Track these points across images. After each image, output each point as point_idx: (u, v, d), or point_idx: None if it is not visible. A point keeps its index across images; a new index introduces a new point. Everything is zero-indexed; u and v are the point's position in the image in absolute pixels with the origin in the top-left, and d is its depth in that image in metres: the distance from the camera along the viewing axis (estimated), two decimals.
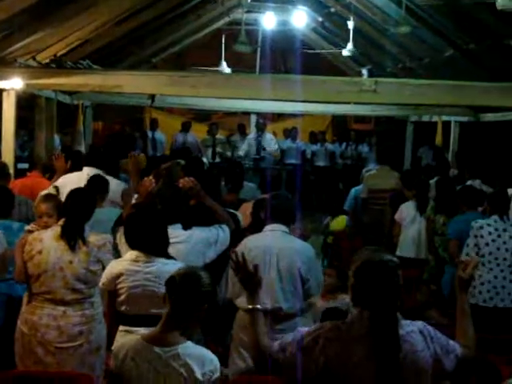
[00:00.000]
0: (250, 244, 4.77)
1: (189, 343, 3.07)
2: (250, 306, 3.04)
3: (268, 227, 4.79)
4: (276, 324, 4.49)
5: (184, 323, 3.08)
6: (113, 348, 3.32)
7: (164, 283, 3.16)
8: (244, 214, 6.09)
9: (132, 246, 4.08)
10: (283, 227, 4.74)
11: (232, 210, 5.88)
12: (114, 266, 4.06)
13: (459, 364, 2.86)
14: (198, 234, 4.62)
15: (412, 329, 2.82)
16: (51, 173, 7.32)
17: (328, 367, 2.75)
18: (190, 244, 4.56)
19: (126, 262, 4.01)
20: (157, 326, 3.10)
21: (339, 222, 10.10)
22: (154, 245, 4.02)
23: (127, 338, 3.28)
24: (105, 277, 4.07)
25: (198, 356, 3.05)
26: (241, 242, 4.86)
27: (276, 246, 4.67)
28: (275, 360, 2.85)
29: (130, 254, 4.04)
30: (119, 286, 3.93)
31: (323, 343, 2.77)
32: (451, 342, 2.90)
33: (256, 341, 2.94)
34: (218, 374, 3.06)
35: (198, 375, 2.99)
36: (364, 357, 2.72)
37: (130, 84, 7.49)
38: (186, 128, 14.64)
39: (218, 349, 4.66)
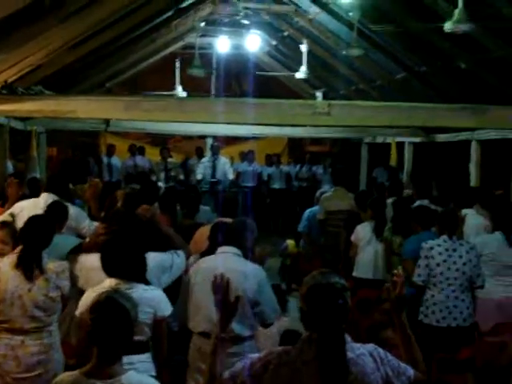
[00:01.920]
0: (200, 266, 4.78)
1: (131, 372, 2.98)
2: (222, 335, 3.02)
3: (220, 249, 4.81)
4: (226, 347, 4.46)
5: (117, 350, 2.98)
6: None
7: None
8: (200, 237, 6.08)
9: (110, 273, 4.00)
10: (235, 249, 4.74)
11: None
12: (90, 295, 3.89)
13: None
14: (153, 258, 4.59)
15: (362, 351, 2.82)
16: (3, 200, 7.21)
17: None
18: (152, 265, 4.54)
19: (105, 290, 3.93)
20: (92, 359, 2.98)
21: (291, 245, 10.17)
22: (133, 271, 3.97)
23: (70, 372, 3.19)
24: (81, 305, 3.95)
25: None
26: (194, 265, 4.87)
27: (224, 268, 4.65)
28: None
29: (108, 282, 3.95)
30: None
31: (273, 369, 2.77)
32: (402, 364, 2.91)
33: (213, 368, 2.93)
34: None
35: None
36: (313, 381, 2.72)
37: (84, 109, 7.43)
38: (133, 151, 14.61)
39: (170, 377, 4.64)
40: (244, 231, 4.84)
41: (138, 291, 3.86)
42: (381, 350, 2.89)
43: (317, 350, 2.74)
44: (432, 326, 5.88)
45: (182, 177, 14.30)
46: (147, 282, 4.02)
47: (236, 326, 4.51)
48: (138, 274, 3.99)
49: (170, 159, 14.60)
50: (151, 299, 3.87)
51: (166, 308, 3.98)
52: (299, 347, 2.81)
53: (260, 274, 4.75)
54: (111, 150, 14.42)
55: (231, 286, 4.51)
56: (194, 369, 4.69)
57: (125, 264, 3.96)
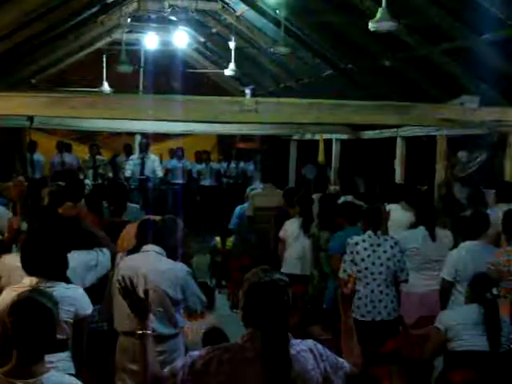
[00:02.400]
0: (123, 264, 4.77)
1: (53, 372, 2.95)
2: (140, 332, 2.99)
3: (143, 248, 4.81)
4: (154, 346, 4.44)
5: (38, 350, 2.94)
6: None
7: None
8: (127, 235, 6.03)
9: (30, 271, 3.92)
10: (157, 248, 4.74)
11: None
12: (8, 294, 3.81)
13: (347, 380, 2.92)
14: (77, 257, 4.53)
15: (302, 348, 2.85)
16: None
17: None
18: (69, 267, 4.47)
19: (23, 289, 3.83)
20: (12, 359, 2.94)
21: (220, 242, 10.21)
22: (54, 269, 3.89)
23: None
24: (0, 305, 3.80)
25: None
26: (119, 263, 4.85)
27: (144, 266, 4.65)
28: None
29: (29, 280, 3.86)
30: None
31: (215, 366, 2.76)
32: (340, 359, 2.96)
33: (146, 367, 2.90)
34: None
35: None
36: (256, 378, 2.73)
37: (6, 106, 7.24)
38: (61, 148, 14.38)
39: (92, 376, 4.58)
40: (167, 230, 4.83)
41: (59, 290, 3.79)
42: (320, 346, 2.92)
43: (261, 347, 2.75)
44: (357, 320, 5.95)
45: (110, 174, 14.13)
46: (68, 281, 3.95)
47: (157, 325, 4.49)
48: (59, 273, 3.92)
49: (98, 156, 14.40)
50: (72, 298, 3.81)
51: (86, 306, 3.93)
52: (241, 344, 2.82)
53: (181, 271, 4.75)
54: (33, 147, 14.12)
55: (150, 284, 4.53)
56: (121, 369, 4.66)
57: (45, 262, 3.89)
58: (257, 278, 2.86)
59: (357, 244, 6.09)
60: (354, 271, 5.92)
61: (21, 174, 10.66)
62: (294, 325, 6.91)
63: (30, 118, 9.43)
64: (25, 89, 13.20)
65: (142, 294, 3.08)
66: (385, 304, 6.02)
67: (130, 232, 6.11)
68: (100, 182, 13.50)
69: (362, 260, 6.05)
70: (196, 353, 2.87)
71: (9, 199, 7.82)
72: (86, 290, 4.28)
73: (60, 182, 7.48)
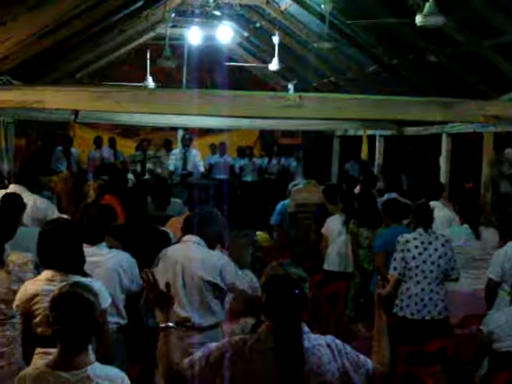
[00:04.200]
0: (162, 255, 4.79)
1: (97, 364, 3.00)
2: (163, 325, 3.02)
3: (183, 238, 4.83)
4: (187, 338, 4.45)
5: (83, 342, 3.00)
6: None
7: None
8: (170, 229, 6.05)
9: (46, 265, 3.94)
10: (196, 238, 4.74)
11: (163, 228, 5.85)
12: (28, 287, 3.88)
13: (371, 379, 2.89)
14: (126, 256, 4.58)
15: (319, 342, 2.85)
16: None
17: (235, 382, 2.77)
18: (112, 263, 4.51)
19: (41, 282, 3.84)
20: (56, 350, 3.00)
21: (262, 237, 10.17)
22: (69, 263, 3.89)
23: (37, 362, 3.16)
24: (19, 298, 3.88)
25: (108, 376, 2.98)
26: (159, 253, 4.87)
27: (183, 256, 4.68)
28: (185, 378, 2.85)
29: (45, 274, 3.89)
30: (35, 307, 3.76)
31: (229, 358, 2.79)
32: (362, 357, 2.94)
33: (168, 359, 2.92)
34: None
35: None
36: (269, 371, 2.75)
37: (52, 100, 7.30)
38: (99, 143, 14.51)
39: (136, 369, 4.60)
40: (207, 221, 4.84)
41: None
42: (339, 342, 2.92)
43: (274, 340, 2.77)
44: (407, 318, 5.90)
45: (159, 170, 14.16)
46: (84, 274, 3.94)
47: (194, 316, 4.49)
48: (75, 266, 3.91)
49: (148, 151, 14.51)
50: None
51: (105, 300, 3.89)
52: (256, 336, 2.84)
53: (220, 259, 4.75)
54: (70, 141, 14.29)
55: (186, 273, 4.54)
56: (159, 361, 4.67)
57: (60, 256, 3.88)
58: (273, 271, 2.90)
59: (408, 242, 6.00)
60: (395, 273, 5.86)
61: (66, 169, 10.82)
62: (334, 320, 6.89)
63: (75, 112, 9.52)
64: (70, 84, 13.34)
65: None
66: (435, 303, 5.93)
67: (173, 226, 6.13)
68: (148, 177, 13.59)
69: (413, 258, 5.95)
70: (213, 344, 2.92)
71: (53, 193, 7.91)
72: None
73: (104, 177, 7.55)
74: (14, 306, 3.96)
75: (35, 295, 3.80)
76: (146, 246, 5.09)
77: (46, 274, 3.88)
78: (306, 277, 2.90)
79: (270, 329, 2.82)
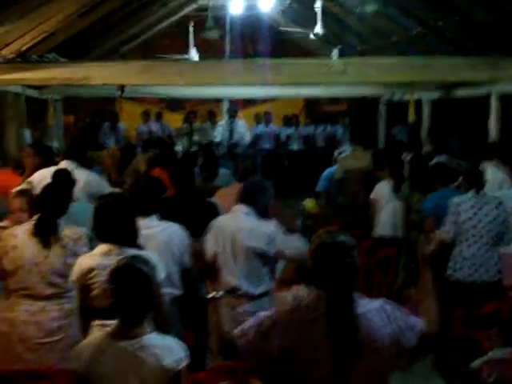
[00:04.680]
0: (212, 225, 4.84)
1: (153, 334, 3.08)
2: (211, 294, 3.05)
3: (233, 209, 4.86)
4: (238, 306, 4.49)
5: (140, 314, 3.07)
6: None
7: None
8: (220, 200, 6.09)
9: (102, 238, 4.01)
10: (246, 208, 4.77)
11: (211, 200, 5.90)
12: (84, 261, 3.97)
13: (421, 340, 2.89)
14: (177, 228, 4.63)
15: (371, 307, 2.86)
16: (23, 169, 7.25)
17: (287, 350, 2.78)
18: (164, 235, 4.56)
19: (96, 257, 3.93)
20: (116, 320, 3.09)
21: (310, 204, 10.13)
22: (124, 236, 3.95)
23: (95, 333, 3.25)
24: (75, 272, 3.97)
25: (164, 345, 3.06)
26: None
27: (232, 226, 4.72)
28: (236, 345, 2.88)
29: (100, 248, 3.97)
30: (92, 281, 3.85)
31: (282, 326, 2.81)
32: (412, 318, 2.93)
33: (218, 328, 2.97)
34: (185, 362, 3.07)
35: (167, 364, 3.00)
36: (321, 338, 2.75)
37: (98, 75, 7.40)
38: (146, 118, 14.58)
39: (192, 338, 4.66)
40: (256, 191, 4.87)
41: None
42: (389, 306, 2.92)
43: (326, 308, 2.77)
44: (460, 281, 5.87)
45: (205, 141, 14.18)
46: (139, 247, 4.00)
47: (243, 284, 4.53)
48: (130, 239, 3.97)
49: (195, 124, 14.55)
50: None
51: (160, 271, 3.96)
52: (307, 304, 2.84)
53: (268, 227, 4.76)
54: (116, 115, 14.40)
55: (237, 242, 4.57)
56: (214, 330, 4.74)
57: (115, 229, 3.94)
58: (321, 239, 2.89)
59: (459, 205, 5.93)
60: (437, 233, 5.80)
61: (114, 143, 10.95)
62: (386, 287, 6.88)
63: (121, 88, 9.60)
64: (114, 59, 13.43)
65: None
66: (486, 267, 5.87)
67: (221, 197, 6.18)
68: (195, 149, 13.66)
69: (465, 221, 5.89)
70: (264, 313, 2.94)
71: (103, 168, 8.02)
72: None
73: (153, 150, 7.63)
74: (70, 280, 4.05)
75: (91, 269, 3.88)
76: (194, 217, 5.13)
77: (102, 248, 3.96)
78: (355, 244, 2.89)
79: (320, 296, 2.82)
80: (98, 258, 3.90)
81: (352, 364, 2.76)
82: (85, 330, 3.84)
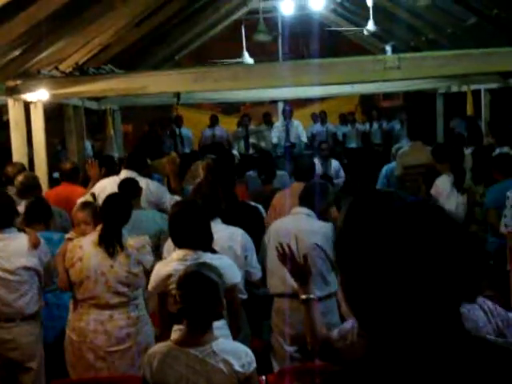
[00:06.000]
0: (272, 227, 4.86)
1: (220, 339, 3.12)
2: (304, 297, 3.04)
3: (293, 210, 4.87)
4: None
5: (207, 320, 3.11)
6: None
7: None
8: (278, 203, 6.11)
9: (178, 244, 4.07)
10: (307, 210, 4.79)
11: (254, 204, 5.91)
12: (161, 269, 4.03)
13: None
14: (241, 232, 4.64)
15: (473, 306, 2.81)
16: (86, 181, 7.39)
17: None
18: (231, 238, 4.58)
19: (174, 263, 3.97)
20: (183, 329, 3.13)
21: None
22: (200, 240, 4.00)
23: (165, 342, 3.30)
24: (153, 280, 4.04)
25: (233, 350, 3.09)
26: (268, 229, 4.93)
27: (295, 227, 4.72)
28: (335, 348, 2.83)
29: (176, 254, 4.02)
30: (171, 287, 3.87)
31: None
32: (511, 314, 2.88)
33: (313, 331, 2.95)
34: (254, 365, 3.09)
35: (237, 368, 3.03)
36: None
37: (154, 84, 7.52)
38: (213, 123, 14.63)
39: (257, 342, 4.68)
40: (315, 193, 4.87)
41: (205, 260, 3.87)
42: (489, 303, 2.89)
43: None
44: None
45: (263, 144, 14.20)
46: (214, 251, 4.04)
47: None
48: (205, 243, 4.01)
49: (250, 127, 14.57)
50: (220, 267, 3.91)
51: (234, 275, 3.97)
52: None
53: (328, 229, 4.76)
54: (179, 121, 14.49)
55: (300, 244, 4.56)
56: (277, 331, 4.76)
57: (191, 234, 3.98)
58: None
59: None
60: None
61: (173, 150, 11.08)
62: None
63: (177, 95, 9.72)
64: (169, 67, 13.61)
65: (300, 259, 3.11)
66: None
67: (280, 199, 6.19)
68: (252, 152, 13.69)
69: None
70: None
71: (163, 175, 8.12)
72: None
73: (211, 155, 7.68)
74: (149, 287, 4.11)
75: (169, 275, 3.92)
76: (238, 222, 5.10)
77: (178, 254, 4.01)
78: None
79: None
80: (174, 264, 3.94)
81: None
82: (166, 335, 3.90)
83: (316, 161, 9.50)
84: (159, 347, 3.20)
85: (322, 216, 4.85)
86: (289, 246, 3.17)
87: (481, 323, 2.77)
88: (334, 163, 9.85)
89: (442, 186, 7.56)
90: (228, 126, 15.21)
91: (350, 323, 2.87)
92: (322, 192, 4.92)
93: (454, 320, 1.43)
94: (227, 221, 4.83)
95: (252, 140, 14.23)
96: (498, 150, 8.03)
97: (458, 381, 1.32)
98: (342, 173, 9.90)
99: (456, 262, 1.36)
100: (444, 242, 1.35)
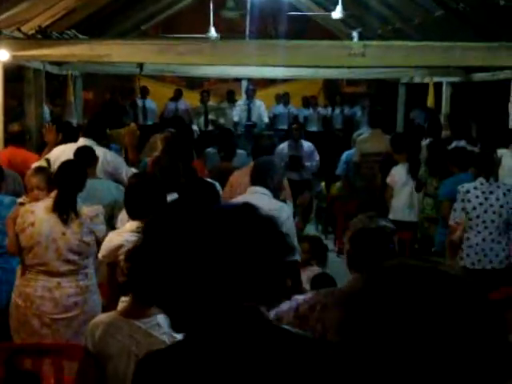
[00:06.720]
0: None
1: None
2: None
3: (249, 190, 4.88)
4: None
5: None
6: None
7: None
8: (235, 181, 6.11)
9: (132, 215, 4.06)
10: (263, 190, 4.81)
11: (210, 180, 5.91)
12: (113, 238, 4.02)
13: None
14: None
15: None
16: (43, 146, 7.30)
17: (325, 334, 2.75)
18: None
19: (126, 234, 3.95)
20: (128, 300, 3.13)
21: (337, 188, 10.15)
22: (154, 213, 3.97)
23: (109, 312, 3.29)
24: (104, 249, 4.04)
25: None
26: None
27: None
28: None
29: (129, 225, 4.00)
30: (120, 258, 3.84)
31: (319, 310, 2.79)
32: None
33: None
34: None
35: None
36: None
37: (118, 53, 7.43)
38: (177, 96, 14.54)
39: None
40: (269, 171, 4.90)
41: None
42: None
43: None
44: (467, 268, 5.87)
45: (222, 121, 14.18)
46: None
47: None
48: None
49: (209, 103, 14.54)
50: None
51: None
52: (344, 288, 2.86)
53: (283, 213, 4.80)
54: (145, 93, 14.36)
55: None
56: None
57: (147, 207, 3.95)
58: (362, 224, 2.87)
59: (468, 192, 5.92)
60: (462, 219, 5.80)
61: (132, 121, 10.97)
62: None
63: (140, 65, 9.63)
64: (135, 36, 13.45)
65: None
66: (496, 252, 5.86)
67: (237, 178, 6.20)
68: (211, 128, 13.66)
69: (474, 208, 5.89)
70: (301, 297, 2.91)
71: (121, 146, 8.05)
72: None
73: (171, 129, 7.64)
74: (100, 256, 4.10)
75: (120, 246, 3.91)
76: (194, 198, 5.09)
77: (131, 224, 3.99)
78: (395, 229, 2.88)
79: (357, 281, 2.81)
80: (126, 235, 3.92)
81: None
82: (113, 306, 3.88)
83: (287, 142, 9.55)
84: (103, 317, 3.18)
85: (276, 192, 4.89)
86: None
87: None
88: (306, 145, 9.77)
89: (398, 175, 7.66)
90: (191, 100, 15.14)
91: (286, 305, 2.88)
92: (273, 169, 4.96)
93: (251, 313, 1.57)
94: (183, 196, 4.82)
95: (211, 116, 14.20)
96: (454, 144, 8.15)
97: (250, 365, 1.51)
98: (316, 155, 9.79)
99: (244, 263, 1.52)
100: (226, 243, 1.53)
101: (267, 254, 1.55)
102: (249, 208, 1.61)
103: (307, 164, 9.47)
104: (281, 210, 4.80)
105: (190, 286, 1.53)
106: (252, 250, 1.54)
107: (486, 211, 5.86)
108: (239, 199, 4.98)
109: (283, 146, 9.55)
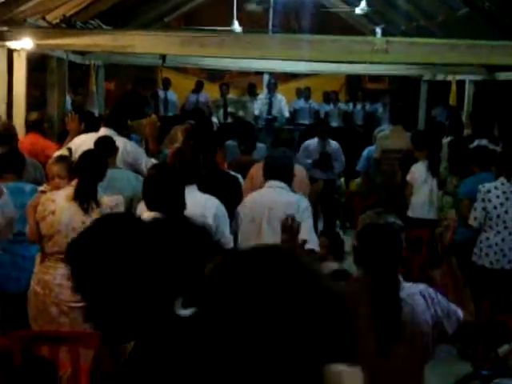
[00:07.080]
0: (247, 200, 4.92)
1: None
2: None
3: (266, 184, 4.89)
4: None
5: None
6: None
7: None
8: (255, 174, 6.12)
9: (150, 207, 4.05)
10: (281, 184, 4.81)
11: (233, 173, 5.91)
12: None
13: (461, 327, 2.89)
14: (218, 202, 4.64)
15: (413, 291, 2.86)
16: (65, 134, 7.33)
17: None
18: (204, 206, 4.58)
19: None
20: None
21: (357, 184, 10.13)
22: (172, 206, 3.97)
23: None
24: None
25: None
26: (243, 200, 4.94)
27: (270, 200, 4.75)
28: None
29: (147, 216, 3.94)
30: None
31: None
32: (453, 305, 2.93)
33: None
34: None
35: None
36: (364, 318, 2.75)
37: (141, 44, 7.45)
38: (198, 88, 14.56)
39: None
40: (284, 164, 4.94)
41: None
42: (431, 290, 2.91)
43: (371, 289, 2.79)
44: (485, 267, 5.84)
45: (241, 113, 14.18)
46: (184, 218, 4.01)
47: None
48: (177, 210, 3.98)
49: (229, 96, 14.53)
50: None
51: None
52: (353, 284, 2.90)
53: (303, 201, 4.82)
54: (167, 84, 14.38)
55: (275, 216, 4.59)
56: None
57: (165, 199, 3.96)
58: (370, 220, 2.88)
59: (489, 191, 5.89)
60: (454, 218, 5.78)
61: (154, 112, 11.01)
62: (416, 267, 6.86)
63: (163, 57, 9.64)
64: (158, 28, 13.47)
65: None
66: None
67: (257, 171, 6.20)
68: (230, 121, 13.65)
69: (494, 208, 5.85)
70: None
71: (142, 136, 8.08)
72: None
73: (191, 121, 7.66)
74: None
75: None
76: (216, 191, 5.02)
77: (149, 216, 3.94)
78: (403, 225, 2.88)
79: (365, 278, 2.83)
80: None
81: (393, 345, 2.77)
82: None
83: (315, 139, 9.49)
84: None
85: (291, 184, 4.92)
86: (292, 218, 3.21)
87: (419, 309, 2.80)
88: (333, 143, 9.65)
89: (418, 172, 7.62)
90: (212, 93, 15.15)
91: None
92: (286, 161, 4.99)
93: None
94: (205, 188, 4.80)
95: (230, 109, 14.18)
96: (476, 142, 8.09)
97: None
98: (342, 156, 9.64)
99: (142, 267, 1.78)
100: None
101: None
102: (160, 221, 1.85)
103: (335, 163, 9.42)
104: (299, 202, 4.81)
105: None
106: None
107: (506, 211, 5.83)
108: (259, 192, 4.98)
109: (310, 143, 9.47)
